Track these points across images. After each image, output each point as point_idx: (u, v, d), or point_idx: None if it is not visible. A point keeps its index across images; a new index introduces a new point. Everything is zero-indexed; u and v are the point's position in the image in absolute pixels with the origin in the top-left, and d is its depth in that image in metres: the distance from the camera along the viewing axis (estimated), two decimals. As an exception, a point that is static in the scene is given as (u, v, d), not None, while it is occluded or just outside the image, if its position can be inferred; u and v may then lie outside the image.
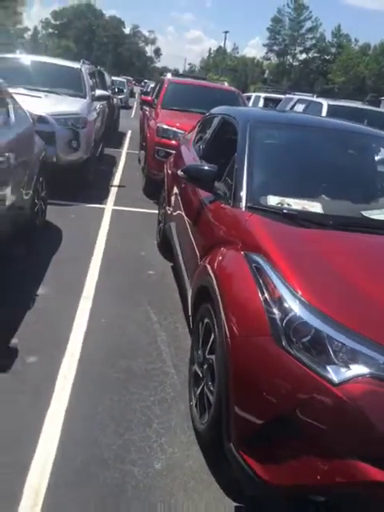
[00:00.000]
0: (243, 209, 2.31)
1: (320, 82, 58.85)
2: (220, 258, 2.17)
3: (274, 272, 1.80)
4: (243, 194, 2.37)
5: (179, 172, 2.70)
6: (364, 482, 1.42)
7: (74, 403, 2.34)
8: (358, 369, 1.48)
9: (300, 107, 8.76)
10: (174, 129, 6.25)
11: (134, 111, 22.41)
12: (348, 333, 1.55)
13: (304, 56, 67.26)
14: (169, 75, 8.38)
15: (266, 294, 1.74)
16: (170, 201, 4.00)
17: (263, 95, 11.48)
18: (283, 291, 1.71)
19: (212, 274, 2.10)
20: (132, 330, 3.11)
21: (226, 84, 8.84)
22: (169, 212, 4.01)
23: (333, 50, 66.06)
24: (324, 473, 1.48)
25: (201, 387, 2.20)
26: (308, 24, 66.10)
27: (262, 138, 2.72)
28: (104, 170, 7.87)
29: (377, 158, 3.33)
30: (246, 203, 2.32)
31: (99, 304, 3.38)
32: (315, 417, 1.50)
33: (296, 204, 2.40)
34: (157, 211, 5.80)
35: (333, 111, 7.67)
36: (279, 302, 1.69)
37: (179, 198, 3.47)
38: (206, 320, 2.20)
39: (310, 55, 67.21)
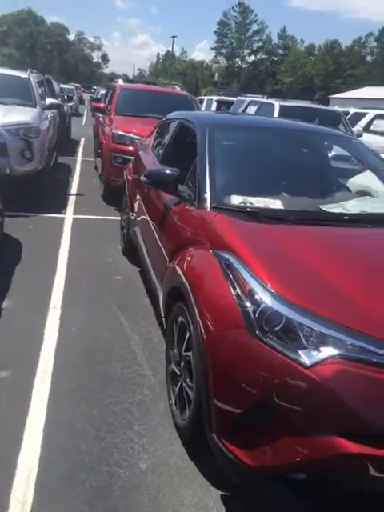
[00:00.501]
0: (208, 209, 2.39)
1: (269, 82, 60.46)
2: (189, 258, 2.24)
3: (243, 267, 1.88)
4: (207, 195, 2.45)
5: (142, 177, 2.75)
6: (341, 456, 1.52)
7: (52, 413, 2.34)
8: (328, 351, 1.59)
9: (252, 109, 8.99)
10: (130, 135, 6.28)
11: (84, 118, 22.18)
12: (316, 318, 1.66)
13: (252, 58, 68.85)
14: (120, 81, 8.39)
15: (238, 289, 1.82)
16: (133, 206, 4.03)
17: (215, 98, 11.70)
18: (253, 284, 1.79)
19: (183, 274, 2.17)
20: (104, 336, 3.12)
21: (177, 88, 8.94)
22: (132, 217, 4.04)
23: (280, 51, 68.09)
24: (303, 451, 1.57)
25: (179, 385, 2.25)
26: (254, 27, 67.80)
27: (221, 141, 2.81)
28: (60, 178, 7.78)
29: (330, 154, 3.51)
30: (211, 204, 2.40)
31: (68, 313, 3.37)
32: (291, 399, 1.59)
33: (258, 202, 2.51)
34: (119, 217, 5.81)
35: (284, 111, 7.95)
36: (250, 295, 1.77)
37: (142, 203, 3.52)
38: (180, 319, 2.26)
39: (258, 57, 68.94)
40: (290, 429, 1.60)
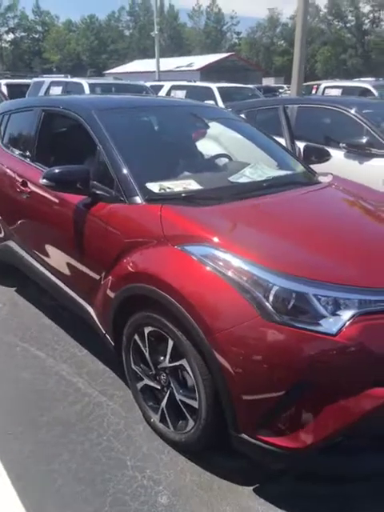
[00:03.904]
0: (142, 203, 2.15)
1: (37, 61, 57.03)
2: (149, 261, 1.98)
3: (231, 255, 1.76)
4: (135, 187, 2.19)
5: (42, 180, 2.27)
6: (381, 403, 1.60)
7: (29, 489, 1.88)
8: (345, 314, 1.62)
9: (57, 90, 8.38)
10: None
11: None
12: (323, 285, 1.67)
13: (11, 36, 63.48)
14: None
15: (235, 278, 1.70)
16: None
17: (4, 82, 10.45)
18: (252, 269, 1.70)
19: (151, 280, 1.90)
20: (27, 378, 2.61)
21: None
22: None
23: (39, 28, 64.40)
24: (346, 413, 1.60)
25: (166, 398, 2.05)
26: (5, 2, 62.23)
27: (115, 126, 2.50)
28: None
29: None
30: (144, 196, 2.16)
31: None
32: (326, 370, 1.60)
33: (174, 185, 2.34)
34: None
35: (94, 89, 7.72)
36: (253, 281, 1.68)
37: (23, 213, 2.95)
38: (149, 329, 2.02)
39: (17, 35, 63.85)
40: (332, 396, 1.61)
